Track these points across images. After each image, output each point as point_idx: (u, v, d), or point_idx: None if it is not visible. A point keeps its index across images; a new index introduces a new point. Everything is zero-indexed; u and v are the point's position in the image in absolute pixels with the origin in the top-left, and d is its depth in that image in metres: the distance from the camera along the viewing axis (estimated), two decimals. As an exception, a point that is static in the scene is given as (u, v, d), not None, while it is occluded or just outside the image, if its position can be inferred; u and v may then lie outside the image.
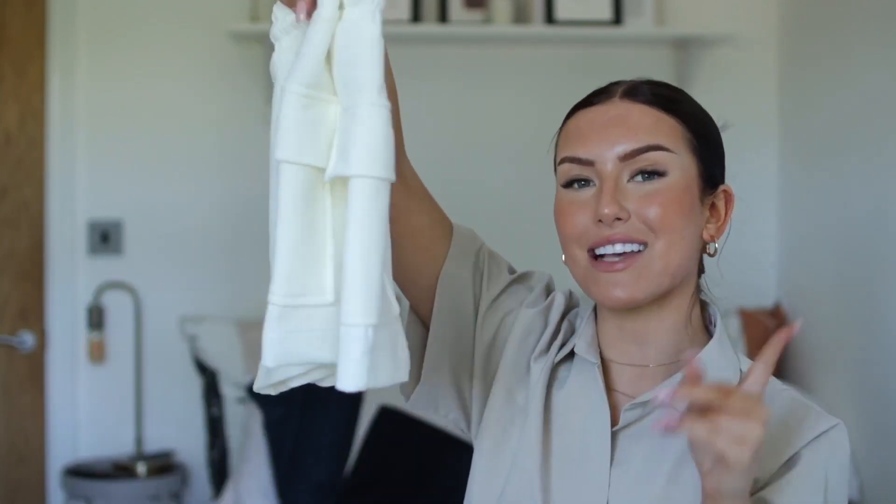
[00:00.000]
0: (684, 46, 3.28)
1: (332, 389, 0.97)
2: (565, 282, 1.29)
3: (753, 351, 3.18)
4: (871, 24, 2.81)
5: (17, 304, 3.20)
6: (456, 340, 1.23)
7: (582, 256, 1.14)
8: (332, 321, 0.96)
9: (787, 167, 3.31)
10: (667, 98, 1.17)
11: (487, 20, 3.21)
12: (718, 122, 1.23)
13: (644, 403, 1.15)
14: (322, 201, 0.97)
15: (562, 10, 3.19)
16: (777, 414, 1.13)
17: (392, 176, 0.92)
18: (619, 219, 1.12)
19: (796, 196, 3.25)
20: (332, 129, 0.95)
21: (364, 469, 2.77)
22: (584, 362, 1.20)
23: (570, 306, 1.27)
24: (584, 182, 1.15)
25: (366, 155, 0.91)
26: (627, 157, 1.13)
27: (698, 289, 1.21)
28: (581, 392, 1.20)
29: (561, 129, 1.22)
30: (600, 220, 1.12)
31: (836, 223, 2.97)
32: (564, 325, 1.25)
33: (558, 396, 1.21)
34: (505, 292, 1.25)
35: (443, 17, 3.21)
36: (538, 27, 3.19)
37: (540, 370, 1.22)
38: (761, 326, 3.21)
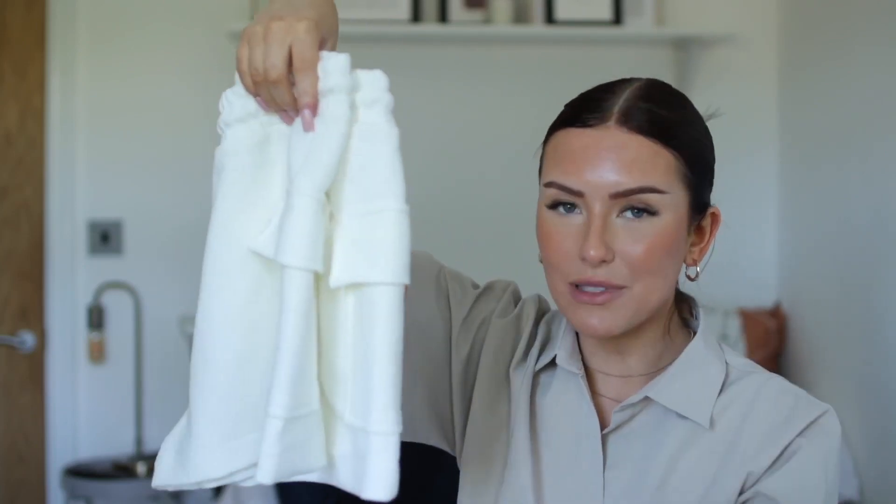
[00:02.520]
0: (684, 46, 3.28)
1: None
2: (534, 287, 1.29)
3: (754, 351, 3.18)
4: (871, 23, 2.81)
5: (17, 304, 3.20)
6: (428, 368, 1.21)
7: (563, 286, 1.11)
8: (314, 427, 0.94)
9: (787, 167, 3.30)
10: (665, 125, 1.09)
11: (487, 20, 3.21)
12: (707, 111, 1.17)
13: (633, 405, 1.14)
14: (313, 307, 0.94)
15: (562, 10, 3.19)
16: (764, 407, 1.13)
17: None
18: (603, 261, 1.07)
19: (796, 196, 3.24)
20: (327, 233, 0.93)
21: (364, 469, 2.77)
22: (567, 370, 1.19)
23: (542, 311, 1.26)
24: (570, 206, 1.09)
25: (397, 262, 0.90)
26: (619, 196, 1.07)
27: (677, 294, 1.19)
28: (567, 398, 1.19)
29: (548, 139, 1.14)
30: (584, 258, 1.07)
31: (836, 223, 2.97)
32: (541, 328, 1.24)
33: (543, 403, 1.20)
34: (475, 308, 1.23)
35: (443, 17, 3.21)
36: (538, 27, 3.19)
37: (521, 379, 1.21)
38: (761, 326, 3.21)
